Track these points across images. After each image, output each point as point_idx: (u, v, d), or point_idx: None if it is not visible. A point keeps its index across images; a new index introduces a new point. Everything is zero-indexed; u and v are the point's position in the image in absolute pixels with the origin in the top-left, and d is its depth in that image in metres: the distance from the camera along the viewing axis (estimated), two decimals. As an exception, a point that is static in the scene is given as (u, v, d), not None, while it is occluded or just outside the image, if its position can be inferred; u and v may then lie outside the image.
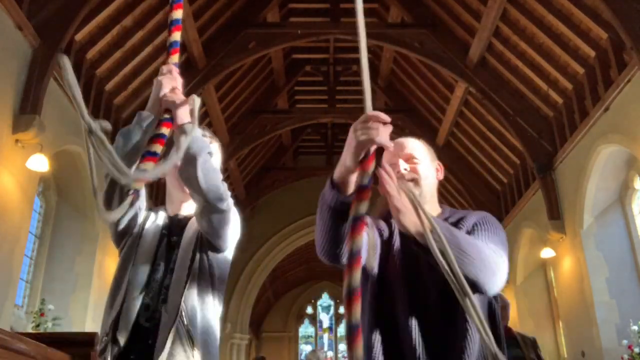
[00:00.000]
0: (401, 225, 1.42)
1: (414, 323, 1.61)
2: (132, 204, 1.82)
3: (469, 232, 1.68)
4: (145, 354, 1.70)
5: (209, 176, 1.71)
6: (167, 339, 1.67)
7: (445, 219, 1.77)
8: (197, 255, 1.83)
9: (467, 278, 1.38)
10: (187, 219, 1.95)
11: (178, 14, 1.79)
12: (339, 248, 1.53)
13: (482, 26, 8.18)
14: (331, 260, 1.59)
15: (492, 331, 1.63)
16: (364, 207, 1.23)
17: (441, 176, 1.85)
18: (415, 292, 1.65)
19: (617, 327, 7.11)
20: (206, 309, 1.80)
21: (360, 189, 1.25)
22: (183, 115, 1.72)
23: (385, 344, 1.64)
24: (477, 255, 1.48)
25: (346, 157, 1.38)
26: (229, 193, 1.79)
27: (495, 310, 1.70)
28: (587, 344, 7.55)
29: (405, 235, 1.63)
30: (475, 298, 1.59)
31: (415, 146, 1.83)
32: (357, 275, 1.18)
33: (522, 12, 7.65)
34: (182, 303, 1.73)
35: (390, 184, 1.39)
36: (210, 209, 1.75)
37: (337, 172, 1.43)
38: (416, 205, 1.38)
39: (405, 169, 1.75)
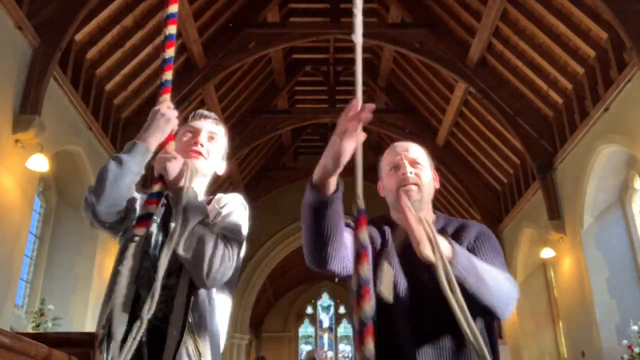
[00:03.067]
0: (421, 256, 1.48)
1: (409, 329, 1.62)
2: (119, 224, 1.79)
3: (470, 248, 1.70)
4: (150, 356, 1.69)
5: (190, 248, 1.66)
6: (173, 353, 1.64)
7: (442, 228, 1.78)
8: None
9: (483, 305, 1.50)
10: None
11: (174, 8, 1.82)
12: (323, 251, 1.56)
13: (482, 26, 8.18)
14: (319, 265, 1.60)
15: (491, 346, 1.65)
16: (365, 235, 1.33)
17: (437, 185, 1.87)
18: (416, 307, 1.66)
19: (617, 327, 7.11)
20: (213, 312, 1.76)
21: (359, 219, 1.35)
22: (175, 180, 1.71)
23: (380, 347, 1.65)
24: (495, 284, 1.54)
25: (329, 161, 1.40)
26: (222, 262, 1.69)
27: (492, 326, 1.72)
28: (587, 344, 7.55)
29: (404, 250, 1.68)
30: (477, 318, 1.61)
31: (419, 152, 1.85)
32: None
33: (522, 12, 7.65)
34: (189, 312, 1.69)
35: (412, 216, 1.46)
36: (194, 277, 1.71)
37: (317, 175, 1.46)
38: (432, 239, 1.46)
39: (411, 172, 1.76)
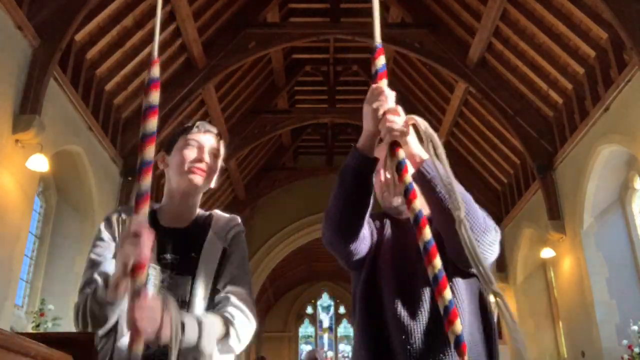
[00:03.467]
0: (410, 157, 1.52)
1: (403, 313, 1.64)
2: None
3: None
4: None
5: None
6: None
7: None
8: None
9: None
10: (198, 229, 1.81)
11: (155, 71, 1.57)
12: (354, 221, 1.61)
13: (482, 26, 8.18)
14: (340, 237, 1.64)
15: (485, 324, 1.65)
16: (409, 179, 1.40)
17: None
18: (404, 281, 1.68)
19: (617, 327, 7.11)
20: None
21: (399, 167, 1.41)
22: (165, 335, 1.43)
23: (375, 340, 1.67)
24: (469, 206, 1.55)
25: (367, 125, 1.51)
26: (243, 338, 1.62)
27: (487, 302, 1.70)
28: (587, 344, 7.55)
29: (397, 227, 1.72)
30: (464, 284, 1.62)
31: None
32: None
33: (522, 12, 7.65)
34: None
35: (400, 123, 1.48)
36: None
37: (361, 140, 1.55)
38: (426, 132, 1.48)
39: (387, 178, 1.81)
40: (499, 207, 10.54)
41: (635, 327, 6.36)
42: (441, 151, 1.43)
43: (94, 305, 1.57)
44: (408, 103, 11.56)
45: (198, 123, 1.90)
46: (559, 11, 7.19)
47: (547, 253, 8.58)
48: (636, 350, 6.26)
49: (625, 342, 6.48)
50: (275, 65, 11.16)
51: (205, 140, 1.84)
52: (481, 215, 1.59)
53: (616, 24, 6.14)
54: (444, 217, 1.49)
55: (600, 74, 6.92)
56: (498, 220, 10.45)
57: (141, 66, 8.03)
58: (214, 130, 1.91)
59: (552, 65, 7.77)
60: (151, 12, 7.57)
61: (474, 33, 8.54)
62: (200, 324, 1.52)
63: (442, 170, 1.43)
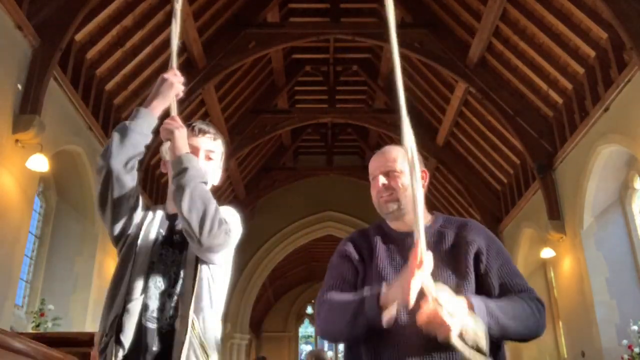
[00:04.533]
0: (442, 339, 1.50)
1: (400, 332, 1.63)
2: (124, 204, 1.81)
3: (478, 255, 1.72)
4: None
5: (195, 207, 1.69)
6: (181, 356, 1.66)
7: (440, 227, 1.78)
8: (201, 264, 1.81)
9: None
10: None
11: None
12: (345, 340, 1.74)
13: (482, 26, 8.18)
14: (333, 341, 1.92)
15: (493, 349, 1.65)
16: None
17: (425, 183, 1.85)
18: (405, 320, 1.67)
19: (617, 327, 7.10)
20: (214, 314, 1.79)
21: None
22: (180, 145, 1.78)
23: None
24: (521, 327, 1.63)
25: (398, 292, 1.49)
26: (221, 224, 1.72)
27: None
28: (587, 344, 7.55)
29: (389, 243, 1.78)
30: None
31: (397, 157, 1.83)
32: None
33: (522, 12, 7.64)
34: (192, 314, 1.72)
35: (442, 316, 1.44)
36: (191, 240, 1.74)
37: (384, 298, 1.54)
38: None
39: (384, 184, 1.80)
40: (499, 207, 10.53)
41: (635, 327, 6.35)
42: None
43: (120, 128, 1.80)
44: (408, 103, 11.54)
45: (194, 124, 1.94)
46: (559, 11, 7.18)
47: (547, 253, 8.58)
48: (636, 350, 6.26)
49: (625, 342, 6.47)
50: (275, 65, 11.16)
51: (200, 142, 1.93)
52: (532, 321, 1.66)
53: (616, 24, 6.14)
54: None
55: (600, 74, 6.92)
56: (498, 220, 10.46)
57: (141, 66, 8.03)
58: (211, 130, 1.97)
59: (552, 65, 7.77)
60: (151, 12, 7.58)
61: (474, 33, 8.53)
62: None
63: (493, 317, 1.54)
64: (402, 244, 1.74)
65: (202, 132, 1.95)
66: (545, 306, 1.72)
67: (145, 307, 1.75)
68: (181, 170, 1.73)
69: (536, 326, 1.65)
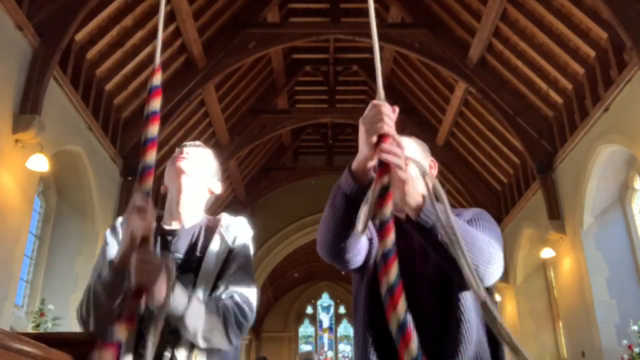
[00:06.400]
0: (403, 200, 1.40)
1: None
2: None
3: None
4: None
5: (212, 337, 1.59)
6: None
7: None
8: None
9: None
10: (205, 230, 1.82)
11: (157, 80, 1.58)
12: (342, 242, 1.54)
13: (482, 26, 8.18)
14: (332, 254, 1.60)
15: (492, 335, 1.64)
16: (388, 210, 1.21)
17: (435, 172, 1.82)
18: (408, 289, 1.65)
19: (617, 327, 7.10)
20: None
21: (383, 192, 1.23)
22: (158, 294, 1.43)
23: (379, 349, 1.64)
24: (472, 242, 1.47)
25: (361, 147, 1.38)
26: (245, 318, 1.64)
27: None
28: (587, 344, 7.55)
29: (399, 231, 1.65)
30: (468, 295, 1.61)
31: (404, 146, 1.82)
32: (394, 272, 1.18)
33: (522, 12, 7.65)
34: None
35: (397, 157, 1.33)
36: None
37: (355, 162, 1.42)
38: (425, 176, 1.35)
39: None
40: (499, 207, 10.54)
41: (635, 327, 6.36)
42: (442, 194, 1.29)
43: (98, 287, 1.57)
44: (408, 103, 11.56)
45: (182, 145, 1.95)
46: (559, 11, 7.19)
47: (547, 253, 8.58)
48: (636, 350, 6.26)
49: (625, 342, 6.48)
50: (275, 65, 11.16)
51: (186, 150, 1.90)
52: (485, 247, 1.51)
53: (616, 24, 6.14)
54: (449, 264, 1.40)
55: (600, 74, 6.92)
56: (498, 220, 10.45)
57: (141, 66, 8.03)
58: (196, 143, 1.96)
59: (552, 65, 7.77)
60: (151, 12, 7.58)
61: (474, 33, 8.54)
62: (190, 298, 1.55)
63: (443, 214, 1.29)
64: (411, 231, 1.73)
65: (188, 146, 1.91)
66: (500, 248, 1.58)
67: (140, 337, 1.61)
68: (179, 324, 1.56)
69: (488, 255, 1.49)
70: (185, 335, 1.57)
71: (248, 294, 1.70)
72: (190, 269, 1.71)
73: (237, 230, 1.82)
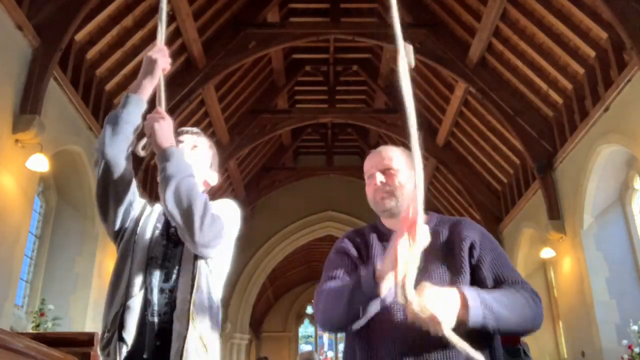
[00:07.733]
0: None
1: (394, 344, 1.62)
2: (123, 194, 1.81)
3: (471, 249, 1.71)
4: (159, 357, 1.70)
5: (180, 202, 1.67)
6: (181, 349, 1.66)
7: (434, 226, 1.77)
8: (199, 259, 1.80)
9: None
10: None
11: None
12: (346, 325, 1.65)
13: (482, 26, 8.18)
14: (336, 330, 1.77)
15: (487, 341, 1.63)
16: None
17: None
18: (394, 305, 1.65)
19: (617, 327, 7.10)
20: (213, 307, 1.79)
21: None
22: (162, 140, 1.75)
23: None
24: (518, 318, 1.60)
25: (387, 263, 1.50)
26: (213, 220, 1.70)
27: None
28: (587, 344, 7.55)
29: (385, 242, 1.73)
30: None
31: (393, 156, 1.84)
32: None
33: (522, 12, 7.65)
34: (192, 307, 1.71)
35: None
36: (183, 237, 1.73)
37: (381, 272, 1.52)
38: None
39: (381, 181, 1.79)
40: (499, 207, 10.53)
41: (635, 327, 6.36)
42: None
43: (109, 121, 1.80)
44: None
45: (177, 129, 1.99)
46: (559, 11, 7.19)
47: (547, 253, 8.58)
48: (636, 350, 6.26)
49: (625, 342, 6.48)
50: (275, 65, 11.16)
51: (182, 139, 1.97)
52: (528, 311, 1.63)
53: (616, 24, 6.14)
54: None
55: (600, 74, 6.92)
56: (498, 220, 10.46)
57: (141, 66, 8.02)
58: (193, 129, 2.03)
59: (552, 65, 7.77)
60: (151, 12, 7.58)
61: (474, 33, 8.53)
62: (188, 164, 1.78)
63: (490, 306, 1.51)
64: None
65: (183, 132, 1.98)
66: (540, 299, 1.70)
67: (147, 303, 1.75)
68: (164, 164, 1.71)
69: (532, 316, 1.62)
70: (162, 187, 1.70)
71: (222, 218, 1.77)
72: (181, 242, 1.80)
73: (219, 204, 1.89)
